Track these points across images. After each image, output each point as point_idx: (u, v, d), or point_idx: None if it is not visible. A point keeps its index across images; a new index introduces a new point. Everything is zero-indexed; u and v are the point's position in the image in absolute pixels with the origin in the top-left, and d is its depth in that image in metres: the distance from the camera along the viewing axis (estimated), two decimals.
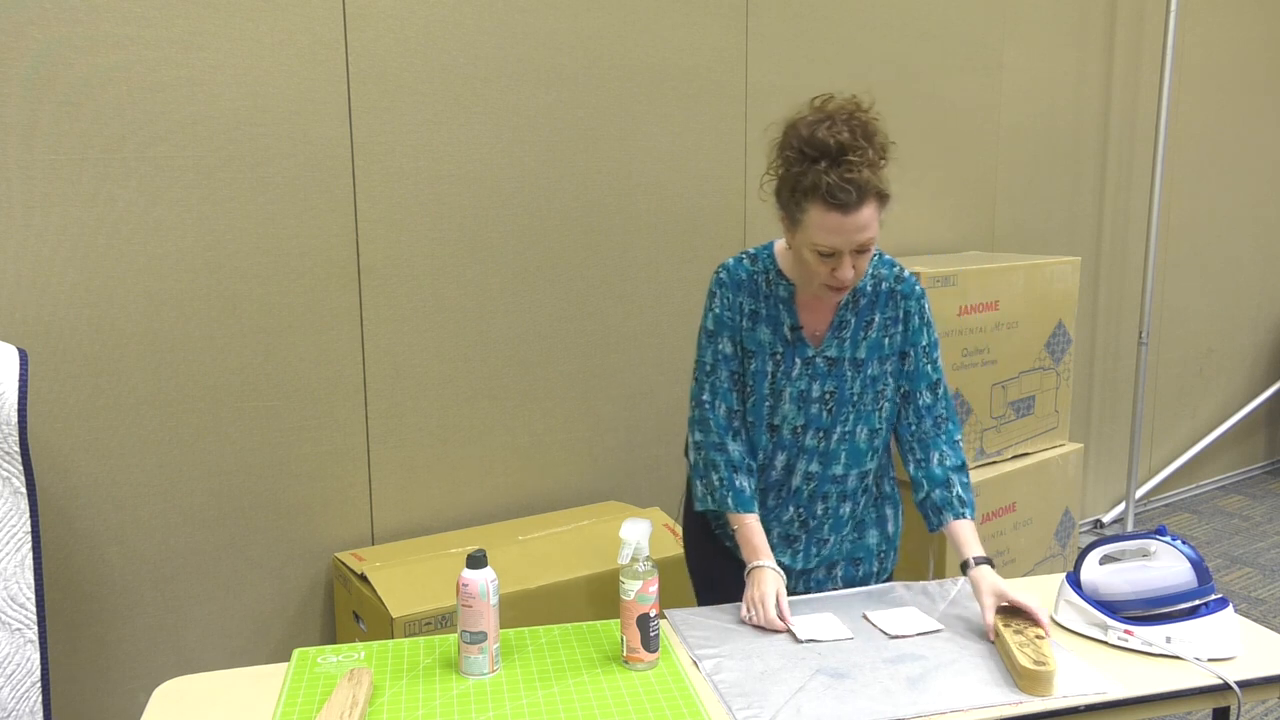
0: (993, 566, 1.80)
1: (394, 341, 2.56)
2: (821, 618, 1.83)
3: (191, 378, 2.31)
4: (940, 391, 1.94)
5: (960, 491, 1.90)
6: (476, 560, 1.64)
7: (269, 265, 2.37)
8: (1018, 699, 1.56)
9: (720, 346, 1.92)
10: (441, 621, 2.27)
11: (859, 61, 3.29)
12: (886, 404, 1.93)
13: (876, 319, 1.90)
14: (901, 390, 1.94)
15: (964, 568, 1.82)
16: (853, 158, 1.66)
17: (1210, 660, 1.69)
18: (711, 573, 2.07)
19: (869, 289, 1.90)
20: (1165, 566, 1.74)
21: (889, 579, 2.06)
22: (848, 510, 1.96)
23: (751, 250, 1.94)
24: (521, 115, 2.66)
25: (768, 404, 1.91)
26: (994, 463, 3.26)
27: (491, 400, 2.73)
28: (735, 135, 3.04)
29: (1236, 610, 2.47)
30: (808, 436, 1.91)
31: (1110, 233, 4.23)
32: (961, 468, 1.93)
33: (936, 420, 1.94)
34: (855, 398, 1.90)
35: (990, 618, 1.73)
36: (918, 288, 1.92)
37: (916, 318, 1.91)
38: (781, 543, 1.97)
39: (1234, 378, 4.96)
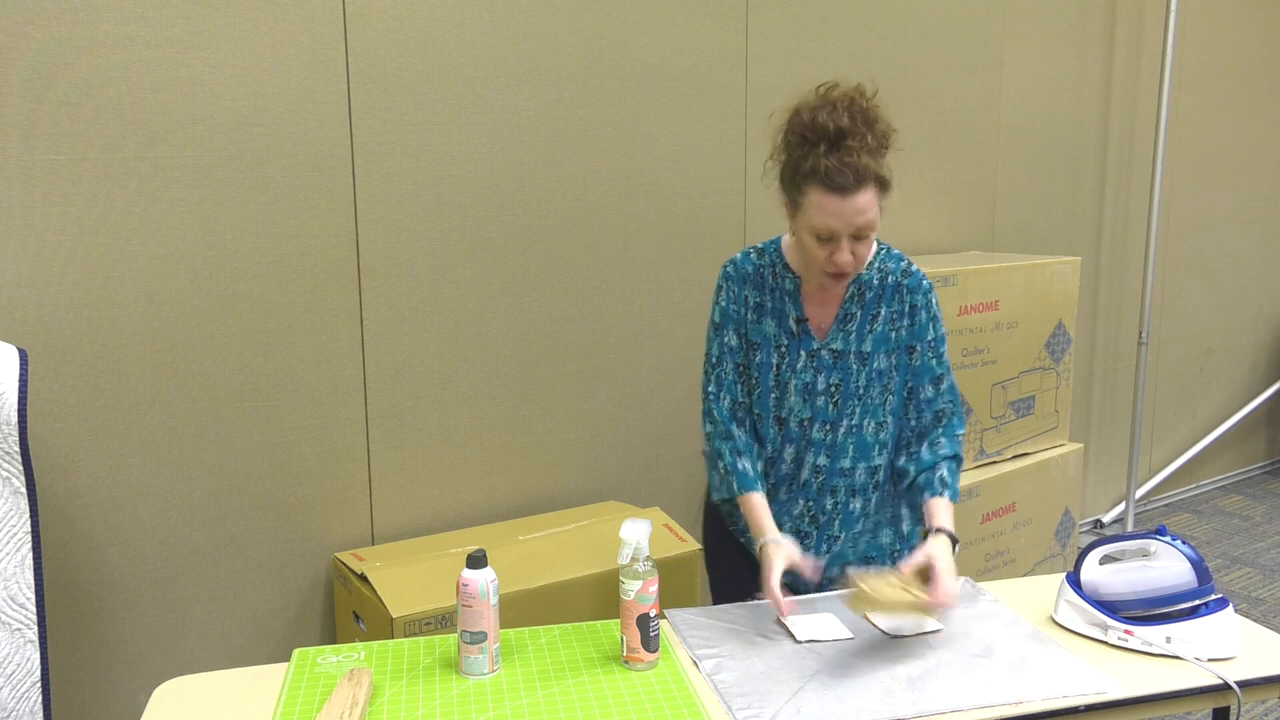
0: (955, 545, 1.78)
1: (394, 341, 2.56)
2: (821, 618, 1.83)
3: (191, 378, 2.31)
4: (944, 386, 1.94)
5: (945, 474, 1.89)
6: (476, 560, 1.64)
7: (269, 265, 2.37)
8: (1017, 699, 1.56)
9: (726, 339, 1.95)
10: (441, 621, 2.27)
11: (859, 61, 3.29)
12: (893, 398, 1.93)
13: (882, 312, 1.90)
14: (907, 385, 1.94)
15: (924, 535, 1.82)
16: (852, 143, 1.69)
17: (1210, 660, 1.69)
18: (724, 562, 2.09)
19: (875, 282, 1.90)
20: (1165, 566, 1.74)
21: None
22: (858, 506, 1.96)
23: (759, 245, 1.96)
24: (521, 115, 2.66)
25: (773, 396, 1.92)
26: (994, 463, 3.26)
27: (491, 400, 2.73)
28: (735, 135, 3.04)
29: (1236, 610, 2.47)
30: (814, 429, 1.92)
31: (1110, 233, 4.23)
32: (954, 458, 1.92)
33: (938, 415, 1.94)
34: (861, 391, 1.90)
35: (905, 568, 1.72)
36: (925, 282, 1.92)
37: (924, 312, 1.91)
38: (793, 539, 1.97)
39: (1234, 378, 4.96)
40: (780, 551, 1.79)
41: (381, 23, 2.43)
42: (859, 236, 1.74)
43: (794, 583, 2.03)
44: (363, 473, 2.57)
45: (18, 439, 1.80)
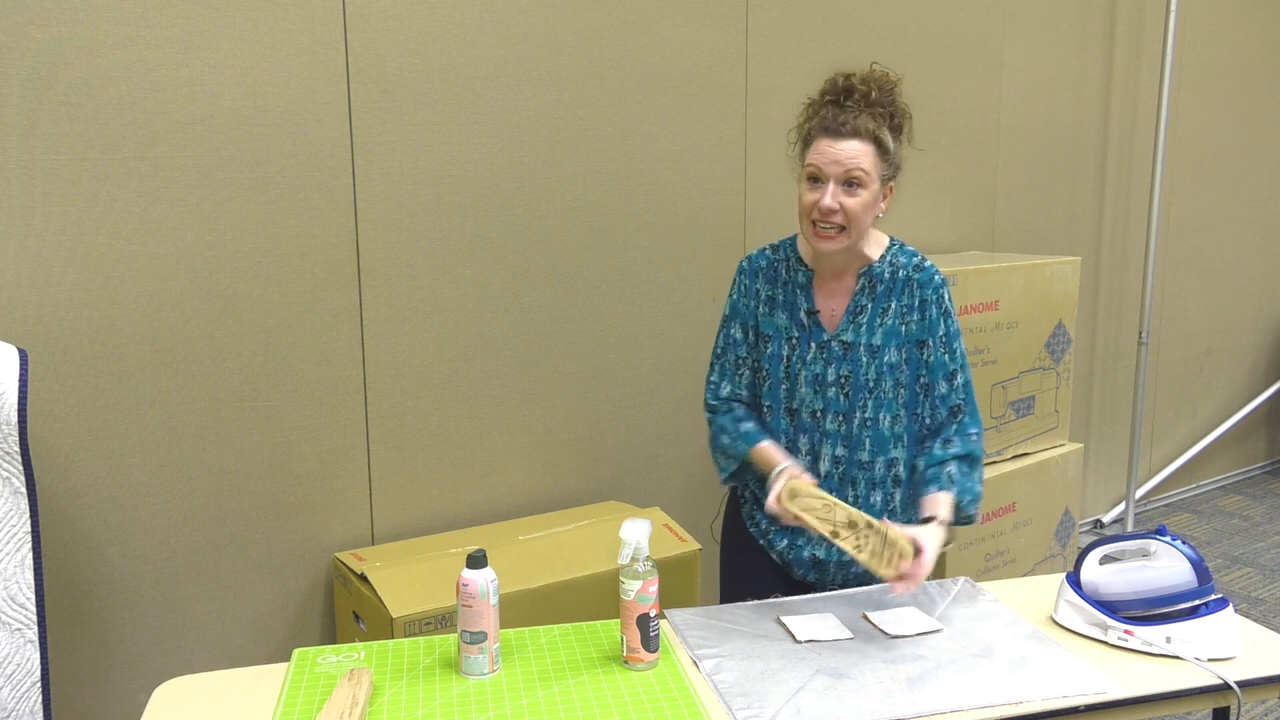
0: (948, 539, 1.80)
1: (394, 341, 2.56)
2: (821, 618, 1.83)
3: (191, 378, 2.31)
4: (958, 382, 1.94)
5: (953, 472, 1.88)
6: (476, 560, 1.64)
7: (269, 265, 2.37)
8: (1017, 699, 1.56)
9: (732, 331, 2.01)
10: (441, 621, 2.27)
11: (859, 61, 3.26)
12: (905, 391, 1.94)
13: (893, 305, 1.91)
14: (921, 380, 1.94)
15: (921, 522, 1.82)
16: (855, 97, 1.81)
17: (1210, 660, 1.69)
18: (738, 560, 2.10)
19: (886, 275, 1.92)
20: (1165, 566, 1.74)
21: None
22: (879, 500, 1.96)
23: (776, 242, 2.02)
24: (521, 115, 2.66)
25: (784, 387, 1.95)
26: (994, 463, 3.26)
27: (491, 400, 2.73)
28: (735, 135, 3.04)
29: (1236, 610, 2.47)
30: (827, 420, 1.93)
31: (1110, 233, 4.23)
32: (965, 458, 1.90)
33: (952, 410, 1.94)
34: (871, 384, 1.91)
35: (891, 530, 1.71)
36: (936, 277, 1.93)
37: (934, 307, 1.92)
38: (801, 468, 1.97)
39: (1234, 378, 4.96)
40: (785, 472, 1.82)
41: (381, 23, 2.43)
42: (848, 185, 1.80)
43: (806, 579, 2.04)
44: (363, 473, 2.57)
45: (18, 439, 1.80)
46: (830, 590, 2.00)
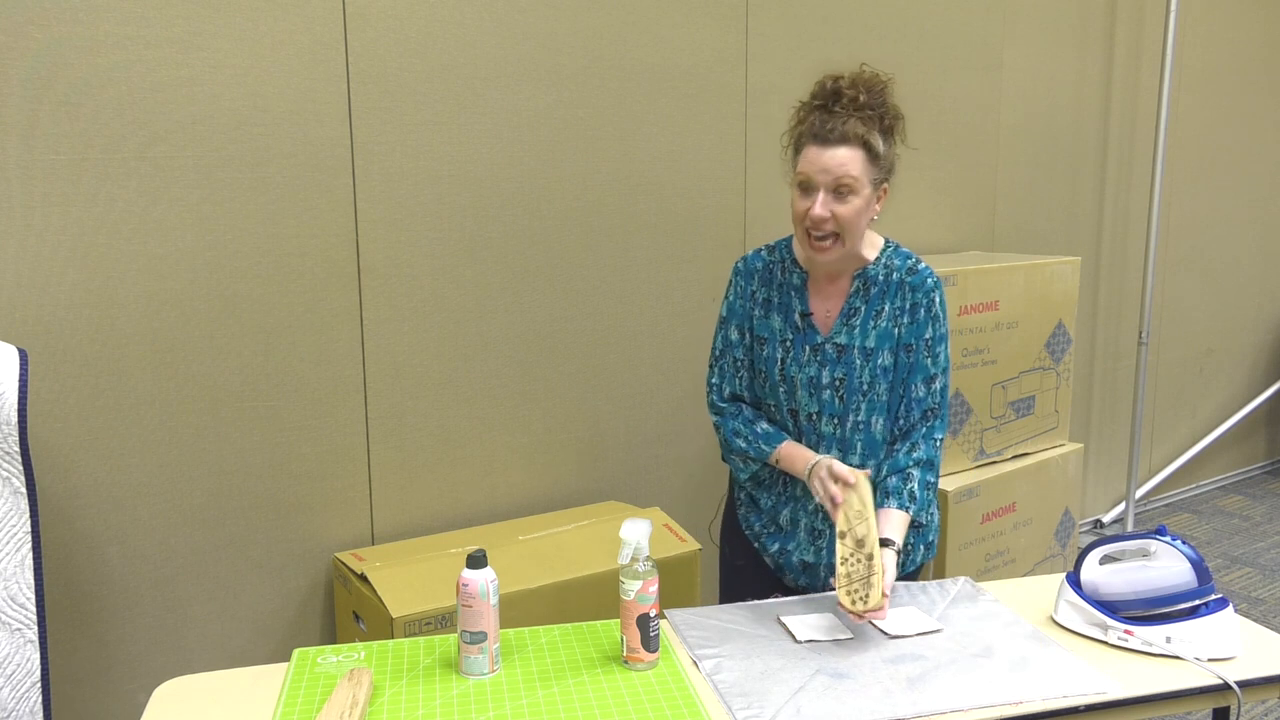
0: (897, 555, 1.83)
1: (394, 341, 2.56)
2: (821, 618, 1.83)
3: (191, 378, 2.31)
4: (936, 386, 1.94)
5: (914, 487, 1.90)
6: (476, 560, 1.64)
7: (269, 265, 2.37)
8: (1017, 699, 1.56)
9: (729, 333, 2.00)
10: (441, 621, 2.27)
11: (859, 61, 3.27)
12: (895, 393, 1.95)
13: (886, 308, 1.91)
14: (901, 381, 1.94)
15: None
16: (843, 102, 1.79)
17: (1210, 660, 1.69)
18: (736, 563, 2.11)
19: (880, 278, 1.92)
20: (1165, 566, 1.74)
21: (917, 570, 2.07)
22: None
23: (771, 243, 2.01)
24: (521, 115, 2.66)
25: (782, 389, 1.95)
26: (994, 463, 3.26)
27: (491, 400, 2.73)
28: (735, 135, 3.04)
29: (1236, 610, 2.47)
30: (823, 423, 1.93)
31: (1110, 233, 4.23)
32: (928, 464, 1.92)
33: (925, 414, 1.94)
34: (865, 386, 1.91)
35: (877, 575, 1.73)
36: (930, 280, 1.92)
37: (923, 310, 1.92)
38: (807, 538, 1.99)
39: (1234, 378, 4.96)
40: (823, 464, 1.84)
41: (381, 23, 2.43)
42: (839, 193, 1.79)
43: (798, 582, 2.04)
44: (363, 473, 2.57)
45: (18, 439, 1.80)
46: (827, 591, 2.00)
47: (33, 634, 1.84)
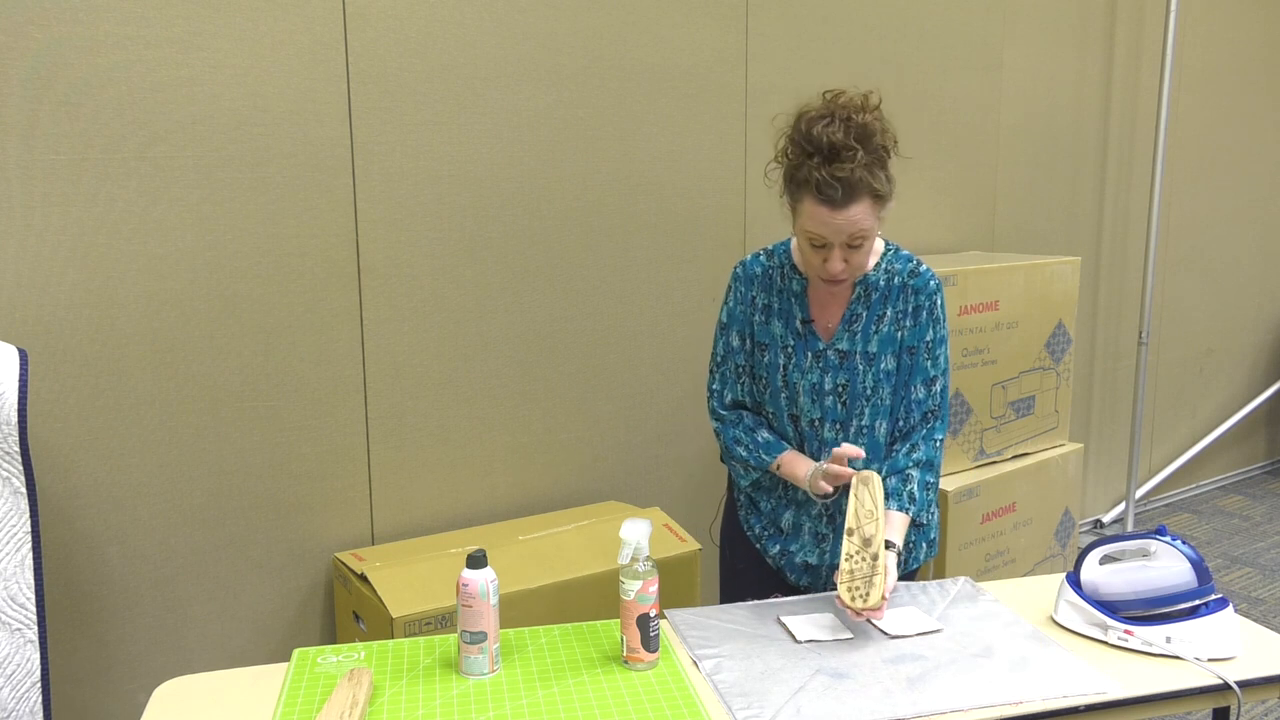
0: (898, 556, 1.85)
1: (394, 341, 2.56)
2: (821, 618, 1.83)
3: (191, 378, 2.31)
4: (936, 388, 1.95)
5: (914, 488, 1.91)
6: (476, 560, 1.64)
7: (269, 265, 2.37)
8: (1017, 699, 1.56)
9: (730, 339, 1.99)
10: (441, 621, 2.27)
11: (859, 61, 3.29)
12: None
13: (888, 313, 1.90)
14: (903, 383, 1.94)
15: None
16: (843, 159, 1.70)
17: (1210, 660, 1.69)
18: (737, 565, 2.11)
19: (882, 283, 1.91)
20: (1165, 566, 1.74)
21: (916, 570, 2.07)
22: None
23: (769, 246, 1.99)
24: (521, 115, 2.66)
25: (783, 395, 1.94)
26: (994, 463, 3.26)
27: (491, 400, 2.73)
28: (735, 135, 3.04)
29: (1236, 610, 2.47)
30: (825, 429, 1.93)
31: (1110, 233, 4.23)
32: (928, 465, 1.93)
33: (925, 416, 1.95)
34: (869, 392, 1.90)
35: (879, 576, 1.75)
36: (932, 283, 1.92)
37: (925, 313, 1.91)
38: (811, 541, 1.99)
39: (1234, 378, 4.96)
40: (820, 468, 1.85)
41: (381, 23, 2.43)
42: (852, 245, 1.77)
43: (799, 584, 2.04)
44: (363, 473, 2.57)
45: (18, 439, 1.80)
46: (828, 591, 2.00)
47: (33, 634, 1.84)
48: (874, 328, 1.90)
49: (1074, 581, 1.81)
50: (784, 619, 1.82)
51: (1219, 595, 1.73)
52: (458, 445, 2.70)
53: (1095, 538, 2.63)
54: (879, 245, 1.95)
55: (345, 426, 2.52)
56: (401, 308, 2.56)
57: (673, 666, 1.67)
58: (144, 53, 2.16)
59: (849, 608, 1.70)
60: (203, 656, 2.42)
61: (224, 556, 2.41)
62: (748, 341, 1.97)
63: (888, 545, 1.81)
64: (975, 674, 1.64)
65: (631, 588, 1.63)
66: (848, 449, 1.82)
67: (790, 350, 1.92)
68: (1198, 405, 4.81)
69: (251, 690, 1.62)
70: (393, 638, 2.00)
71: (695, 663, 1.68)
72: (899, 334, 1.91)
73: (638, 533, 1.64)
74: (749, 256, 1.99)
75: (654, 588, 1.64)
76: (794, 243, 1.94)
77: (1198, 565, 1.72)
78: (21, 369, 1.82)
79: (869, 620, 1.79)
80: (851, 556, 1.73)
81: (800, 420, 1.94)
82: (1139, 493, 4.59)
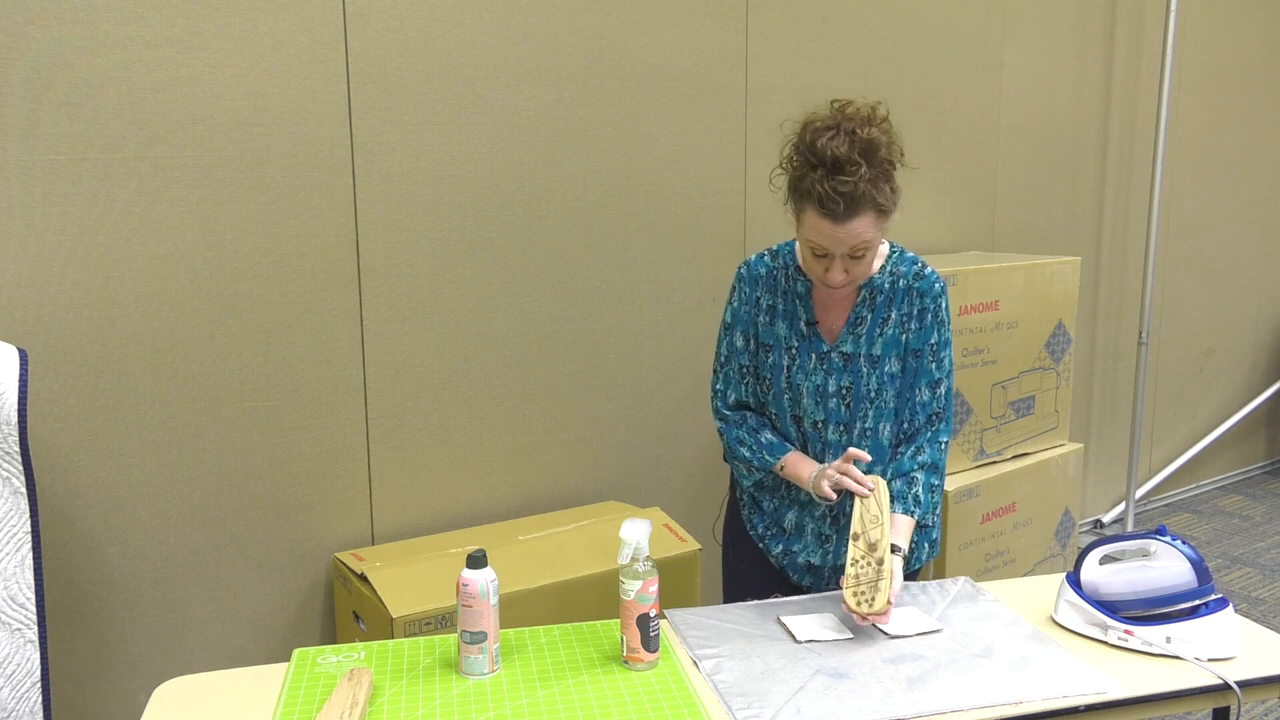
0: (904, 560, 1.86)
1: (394, 341, 2.56)
2: (821, 618, 1.83)
3: (191, 378, 2.31)
4: (940, 391, 1.95)
5: (919, 491, 1.91)
6: (476, 560, 1.64)
7: (269, 265, 2.37)
8: (1017, 699, 1.56)
9: (734, 339, 1.99)
10: (441, 621, 2.27)
11: (859, 61, 3.29)
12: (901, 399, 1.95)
13: (893, 315, 1.90)
14: (909, 385, 1.94)
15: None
16: (846, 174, 1.69)
17: (1210, 660, 1.69)
18: (740, 565, 2.11)
19: (886, 286, 1.91)
20: (1165, 566, 1.74)
21: (920, 569, 2.07)
22: None
23: (774, 247, 1.98)
24: (521, 115, 2.66)
25: (787, 397, 1.94)
26: (994, 463, 3.26)
27: (491, 400, 2.73)
28: (735, 135, 3.04)
29: (1236, 610, 2.47)
30: (829, 431, 1.93)
31: (1110, 233, 4.23)
32: (933, 467, 1.93)
33: (930, 418, 1.95)
34: (873, 394, 1.91)
35: (885, 580, 1.76)
36: (937, 285, 1.92)
37: (930, 315, 1.92)
38: (815, 541, 1.99)
39: (1234, 378, 4.96)
40: (826, 471, 1.85)
41: (381, 23, 2.43)
42: (853, 256, 1.77)
43: (802, 582, 2.04)
44: (363, 473, 2.57)
45: (18, 439, 1.80)
46: (828, 591, 2.00)
47: (33, 634, 1.84)
48: (878, 330, 1.90)
49: (1074, 581, 1.81)
50: (784, 619, 1.82)
51: (1219, 595, 1.73)
52: (458, 445, 2.70)
53: (1095, 538, 2.63)
54: (883, 248, 1.95)
55: (345, 426, 2.52)
56: (401, 308, 2.56)
57: (673, 666, 1.67)
58: (144, 53, 2.16)
59: (855, 613, 1.71)
60: (203, 656, 2.42)
61: (224, 556, 2.41)
62: (752, 342, 1.97)
63: (893, 549, 1.81)
64: (975, 674, 1.64)
65: (631, 588, 1.63)
66: (853, 453, 1.82)
67: (794, 352, 1.92)
68: (1198, 405, 4.81)
69: (251, 690, 1.62)
70: (393, 638, 2.00)
71: (695, 663, 1.68)
72: (904, 337, 1.91)
73: (638, 533, 1.64)
74: (753, 257, 1.98)
75: (654, 588, 1.64)
76: (799, 245, 1.94)
77: (1198, 565, 1.72)
78: (21, 369, 1.82)
79: (874, 624, 1.79)
80: (857, 561, 1.74)
81: (803, 422, 1.94)
82: (1139, 493, 4.60)
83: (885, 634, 1.77)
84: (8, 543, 1.80)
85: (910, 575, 2.05)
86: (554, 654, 1.72)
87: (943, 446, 1.95)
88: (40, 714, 1.86)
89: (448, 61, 2.53)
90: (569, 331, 2.83)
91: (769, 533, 2.03)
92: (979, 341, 3.14)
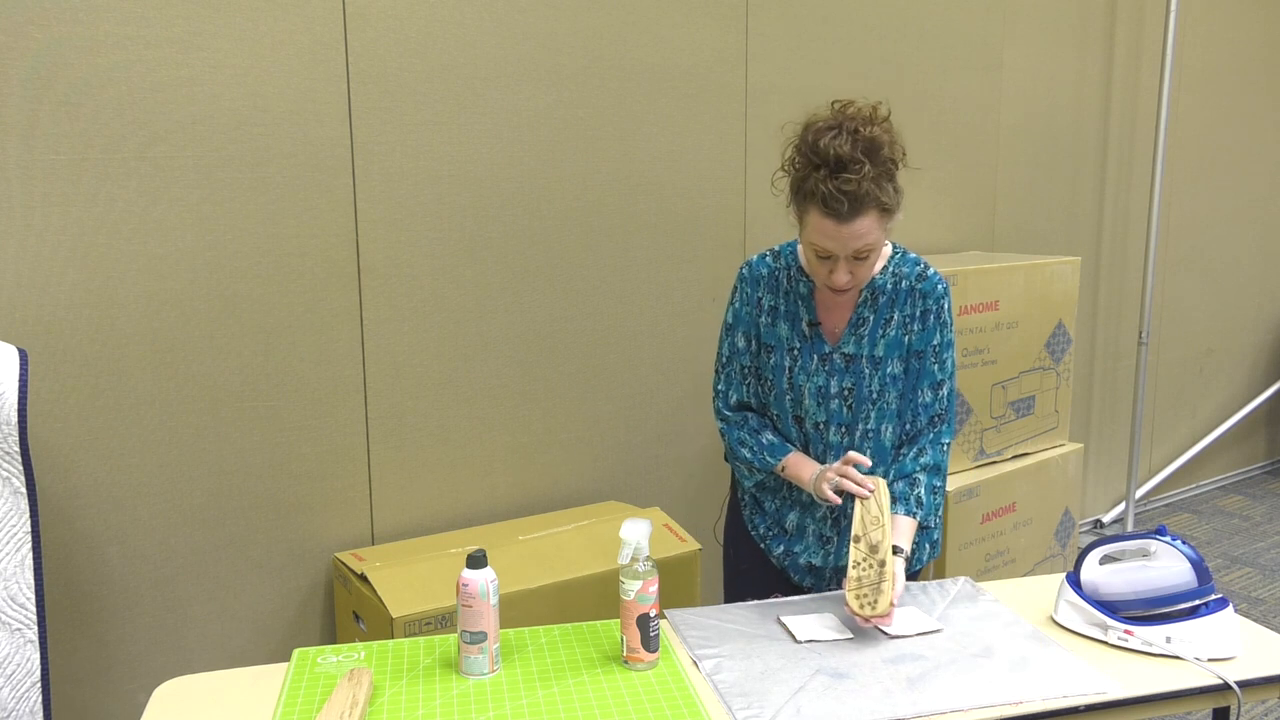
0: (906, 562, 1.86)
1: (394, 341, 2.56)
2: (821, 618, 1.83)
3: (191, 378, 2.31)
4: (943, 392, 1.95)
5: (921, 492, 1.91)
6: (476, 560, 1.64)
7: (269, 265, 2.37)
8: (1017, 699, 1.56)
9: (735, 340, 1.98)
10: (441, 621, 2.27)
11: (859, 61, 3.29)
12: (904, 401, 1.94)
13: (895, 317, 1.90)
14: (911, 387, 1.94)
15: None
16: (850, 173, 1.69)
17: (1210, 660, 1.69)
18: (742, 565, 2.11)
19: (889, 287, 1.90)
20: (1165, 566, 1.74)
21: (920, 570, 2.07)
22: None
23: (776, 248, 1.98)
24: (521, 115, 2.66)
25: (789, 398, 1.94)
26: (994, 463, 3.26)
27: (491, 400, 2.73)
28: (735, 135, 3.04)
29: (1236, 610, 2.47)
30: (831, 432, 1.93)
31: (1110, 233, 4.23)
32: (935, 469, 1.93)
33: (932, 419, 1.95)
34: (875, 395, 1.90)
35: (887, 582, 1.75)
36: (940, 286, 1.92)
37: (933, 317, 1.91)
38: (816, 542, 1.99)
39: (1234, 378, 4.96)
40: (823, 473, 1.84)
41: (381, 23, 2.43)
42: (858, 258, 1.76)
43: (803, 583, 2.04)
44: (363, 473, 2.57)
45: (18, 439, 1.80)
46: (829, 592, 2.00)
47: (33, 634, 1.84)
48: (881, 332, 1.90)
49: (1074, 581, 1.81)
50: (784, 619, 1.82)
51: (1219, 595, 1.73)
52: (458, 445, 2.70)
53: (1095, 538, 2.63)
54: (886, 249, 1.94)
55: (345, 426, 2.52)
56: (401, 308, 2.56)
57: (673, 666, 1.67)
58: (144, 53, 2.16)
59: (858, 615, 1.71)
60: (203, 656, 2.42)
61: (224, 556, 2.41)
62: (753, 343, 1.97)
63: (895, 551, 1.81)
64: (975, 674, 1.64)
65: (631, 588, 1.63)
66: (853, 456, 1.82)
67: (796, 353, 1.92)
68: (1198, 405, 4.81)
69: (251, 690, 1.62)
70: (393, 638, 2.00)
71: (695, 663, 1.68)
72: (906, 338, 1.91)
73: (638, 533, 1.64)
74: (755, 257, 1.98)
75: (654, 588, 1.64)
76: (801, 246, 1.94)
77: (1198, 565, 1.72)
78: (21, 369, 1.82)
79: (876, 626, 1.79)
80: (859, 564, 1.74)
81: (805, 423, 1.94)
82: (1139, 493, 4.60)
83: (885, 634, 1.77)
84: (8, 543, 1.80)
85: (911, 576, 2.05)
86: (554, 654, 1.72)
87: (945, 448, 1.95)
88: (40, 714, 1.86)
89: (448, 61, 2.53)
90: (569, 331, 2.83)
91: (770, 533, 2.03)
92: (979, 341, 3.14)
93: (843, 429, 1.92)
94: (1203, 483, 4.97)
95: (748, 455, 1.97)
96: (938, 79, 3.50)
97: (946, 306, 1.93)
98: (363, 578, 2.35)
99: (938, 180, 3.58)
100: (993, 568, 3.22)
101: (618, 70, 2.80)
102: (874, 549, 1.74)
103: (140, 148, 2.19)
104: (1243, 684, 1.64)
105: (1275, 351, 5.13)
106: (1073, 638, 1.78)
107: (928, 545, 2.03)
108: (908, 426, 1.95)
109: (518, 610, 2.34)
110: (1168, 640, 1.70)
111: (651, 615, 1.65)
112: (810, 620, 1.81)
